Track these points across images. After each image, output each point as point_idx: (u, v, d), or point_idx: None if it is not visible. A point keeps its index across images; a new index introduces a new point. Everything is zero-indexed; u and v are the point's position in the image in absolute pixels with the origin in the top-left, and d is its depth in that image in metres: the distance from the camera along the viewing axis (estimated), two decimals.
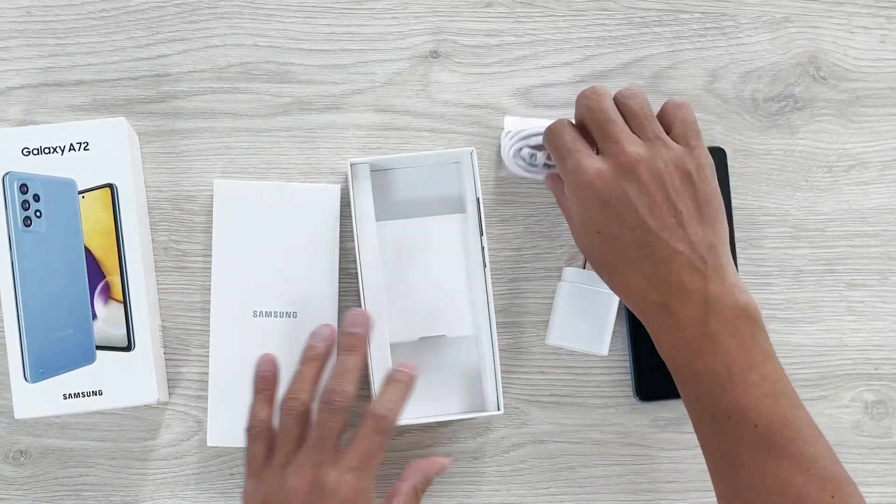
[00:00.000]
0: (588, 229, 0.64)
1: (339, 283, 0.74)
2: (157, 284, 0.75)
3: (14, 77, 0.76)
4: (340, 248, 0.74)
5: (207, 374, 0.74)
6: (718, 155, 0.77)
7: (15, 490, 0.75)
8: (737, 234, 0.77)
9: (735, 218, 0.77)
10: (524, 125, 0.75)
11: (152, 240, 0.76)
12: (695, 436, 0.77)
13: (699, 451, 0.77)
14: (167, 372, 0.75)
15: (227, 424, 0.73)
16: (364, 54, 0.77)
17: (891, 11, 0.79)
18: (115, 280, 0.70)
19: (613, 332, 0.75)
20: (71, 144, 0.70)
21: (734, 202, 0.77)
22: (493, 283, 0.76)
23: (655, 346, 0.65)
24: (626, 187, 0.63)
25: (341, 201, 0.74)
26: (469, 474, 0.76)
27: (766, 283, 0.78)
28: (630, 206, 0.63)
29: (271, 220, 0.74)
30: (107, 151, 0.71)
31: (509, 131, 0.75)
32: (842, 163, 0.78)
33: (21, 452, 0.75)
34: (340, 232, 0.74)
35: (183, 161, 0.76)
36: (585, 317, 0.74)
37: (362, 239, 0.72)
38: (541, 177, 0.75)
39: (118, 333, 0.70)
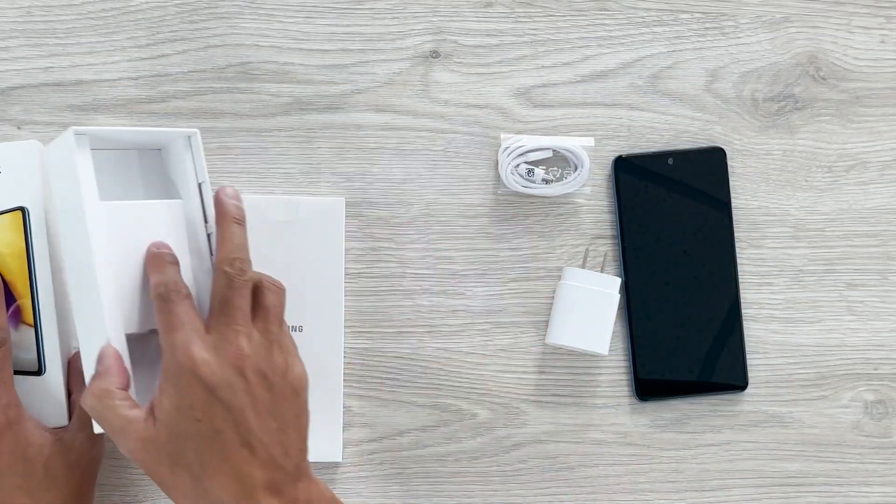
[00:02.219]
0: (185, 417, 0.59)
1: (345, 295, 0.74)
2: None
3: (14, 77, 0.76)
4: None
5: None
6: (718, 155, 0.77)
7: None
8: (737, 234, 0.77)
9: (735, 218, 0.77)
10: (521, 141, 0.75)
11: None
12: (695, 436, 0.77)
13: (699, 450, 0.77)
14: None
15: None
16: (364, 54, 0.77)
17: (891, 11, 0.79)
18: (26, 303, 0.69)
19: (613, 332, 0.75)
20: None
21: (734, 202, 0.77)
22: (492, 283, 0.76)
23: None
24: (232, 380, 0.60)
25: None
26: (469, 474, 0.76)
27: (766, 283, 0.78)
28: (236, 400, 0.60)
29: (276, 234, 0.73)
30: (18, 174, 0.69)
31: (507, 147, 0.75)
32: (842, 163, 0.78)
33: None
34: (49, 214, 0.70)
35: None
36: (585, 316, 0.74)
37: (88, 217, 0.63)
38: (539, 192, 0.75)
39: (28, 357, 0.69)
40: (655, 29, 0.78)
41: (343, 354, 0.74)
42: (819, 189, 0.78)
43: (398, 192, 0.77)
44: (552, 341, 0.75)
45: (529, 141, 0.75)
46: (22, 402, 0.67)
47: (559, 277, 0.76)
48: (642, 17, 0.78)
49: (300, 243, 0.74)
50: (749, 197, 0.78)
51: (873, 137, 0.79)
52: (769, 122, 0.78)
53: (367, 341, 0.74)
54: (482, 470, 0.76)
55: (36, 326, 0.69)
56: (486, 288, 0.77)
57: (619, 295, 0.75)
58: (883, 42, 0.79)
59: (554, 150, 0.76)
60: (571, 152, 0.76)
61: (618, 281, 0.75)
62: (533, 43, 0.78)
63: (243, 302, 0.63)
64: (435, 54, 0.77)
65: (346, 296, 0.75)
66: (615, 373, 0.77)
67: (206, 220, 0.68)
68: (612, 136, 0.77)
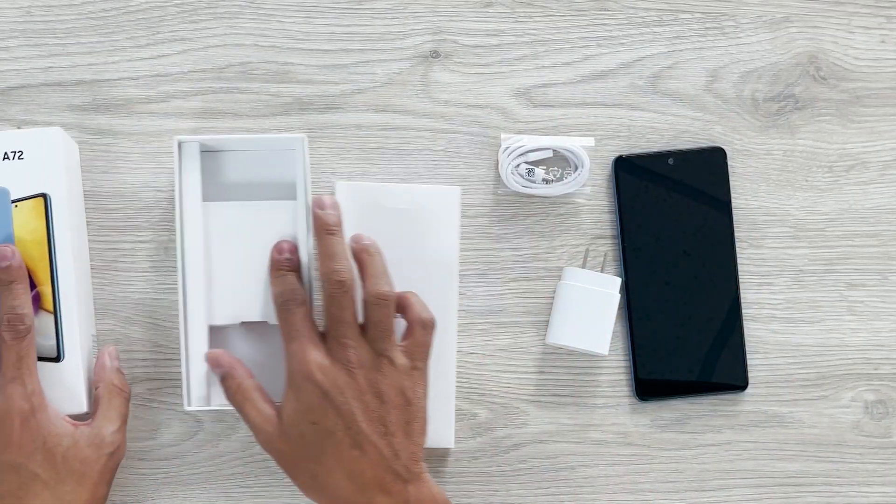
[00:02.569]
0: (303, 418, 0.66)
1: (459, 283, 0.74)
2: (152, 285, 0.75)
3: (14, 77, 0.76)
4: (170, 228, 0.75)
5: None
6: (718, 155, 0.77)
7: None
8: (737, 234, 0.77)
9: (735, 218, 0.77)
10: (521, 141, 0.75)
11: (152, 240, 0.76)
12: (695, 435, 0.77)
13: (699, 450, 0.77)
14: (165, 372, 0.75)
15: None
16: (364, 54, 0.77)
17: (891, 11, 0.79)
18: (46, 290, 0.70)
19: (613, 332, 0.75)
20: (5, 153, 0.70)
21: (734, 202, 0.77)
22: (492, 283, 0.76)
23: None
24: (345, 388, 0.66)
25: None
26: (469, 474, 0.76)
27: (766, 283, 0.78)
28: (346, 405, 0.66)
29: (392, 222, 0.74)
30: (41, 161, 0.70)
31: (507, 147, 0.75)
32: (842, 163, 0.78)
33: None
34: (170, 212, 0.74)
35: None
36: (585, 316, 0.74)
37: (186, 216, 0.71)
38: (539, 192, 0.75)
39: (48, 344, 0.69)
40: (655, 29, 0.78)
41: (456, 342, 0.74)
42: (819, 189, 0.78)
43: None
44: (552, 341, 0.75)
45: (529, 141, 0.75)
46: (43, 389, 0.68)
47: (559, 277, 0.76)
48: (642, 17, 0.78)
49: (415, 231, 0.74)
50: (749, 197, 0.78)
51: (873, 137, 0.79)
52: (769, 122, 0.78)
53: None
54: (482, 470, 0.76)
55: (55, 313, 0.70)
56: (486, 288, 0.77)
57: (619, 295, 0.75)
58: (883, 42, 0.79)
59: (554, 150, 0.76)
60: (571, 152, 0.76)
61: (618, 281, 0.75)
62: (533, 43, 0.78)
63: (347, 315, 0.67)
64: (435, 54, 0.77)
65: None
66: (615, 373, 0.77)
67: (308, 223, 0.70)
68: (612, 136, 0.77)
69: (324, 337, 0.67)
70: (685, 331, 0.76)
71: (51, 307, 0.70)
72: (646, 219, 0.76)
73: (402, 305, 0.69)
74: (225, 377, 0.69)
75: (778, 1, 0.78)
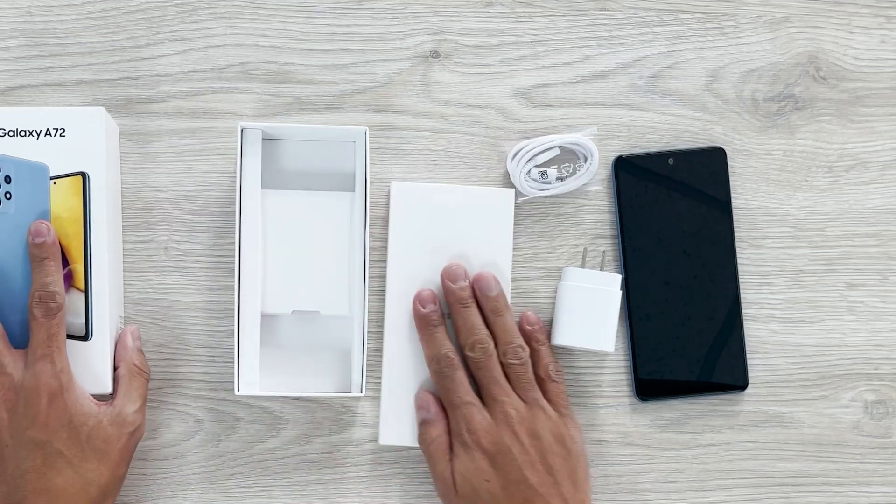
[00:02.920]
0: (476, 478, 0.70)
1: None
2: (152, 285, 0.75)
3: (14, 77, 0.76)
4: (228, 214, 0.75)
5: (209, 374, 0.74)
6: (718, 155, 0.77)
7: None
8: (737, 234, 0.77)
9: (735, 218, 0.77)
10: (527, 146, 0.75)
11: (152, 240, 0.76)
12: (695, 435, 0.77)
13: (699, 450, 0.77)
14: (166, 372, 0.75)
15: (400, 424, 0.74)
16: (364, 54, 0.77)
17: (891, 11, 0.79)
18: (78, 268, 0.70)
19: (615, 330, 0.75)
20: (47, 129, 0.70)
21: (734, 202, 0.77)
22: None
23: None
24: (510, 444, 0.70)
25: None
26: None
27: (766, 282, 0.78)
28: (514, 462, 0.70)
29: (446, 222, 0.74)
30: (83, 140, 0.70)
31: (516, 153, 0.75)
32: (842, 163, 0.78)
33: None
34: (229, 199, 0.75)
35: (183, 161, 0.76)
36: (589, 315, 0.74)
37: (245, 203, 0.72)
38: (557, 191, 0.75)
39: (77, 322, 0.70)
40: (655, 29, 0.78)
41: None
42: (819, 189, 0.78)
43: None
44: (558, 343, 0.75)
45: (534, 144, 0.75)
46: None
47: (559, 278, 0.76)
48: (642, 17, 0.78)
49: (468, 232, 0.75)
50: (749, 197, 0.78)
51: (873, 137, 0.79)
52: (769, 122, 0.78)
53: (367, 341, 0.74)
54: None
55: (86, 292, 0.70)
56: None
57: (620, 291, 0.75)
58: (883, 42, 0.79)
59: (560, 147, 0.76)
60: (578, 144, 0.75)
61: (618, 278, 0.75)
62: (533, 43, 0.78)
63: (497, 374, 0.72)
64: (435, 54, 0.77)
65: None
66: (615, 373, 0.77)
67: (365, 214, 0.72)
68: (613, 136, 0.77)
69: (482, 400, 0.72)
70: (685, 331, 0.76)
71: (82, 286, 0.70)
72: (646, 219, 0.76)
73: (532, 359, 0.73)
74: (427, 423, 0.73)
75: (778, 1, 0.78)
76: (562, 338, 0.74)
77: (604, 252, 0.77)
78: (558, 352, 0.76)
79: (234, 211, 0.72)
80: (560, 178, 0.76)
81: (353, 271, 0.73)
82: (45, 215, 0.69)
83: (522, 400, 0.71)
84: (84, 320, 0.70)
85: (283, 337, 0.74)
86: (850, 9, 0.79)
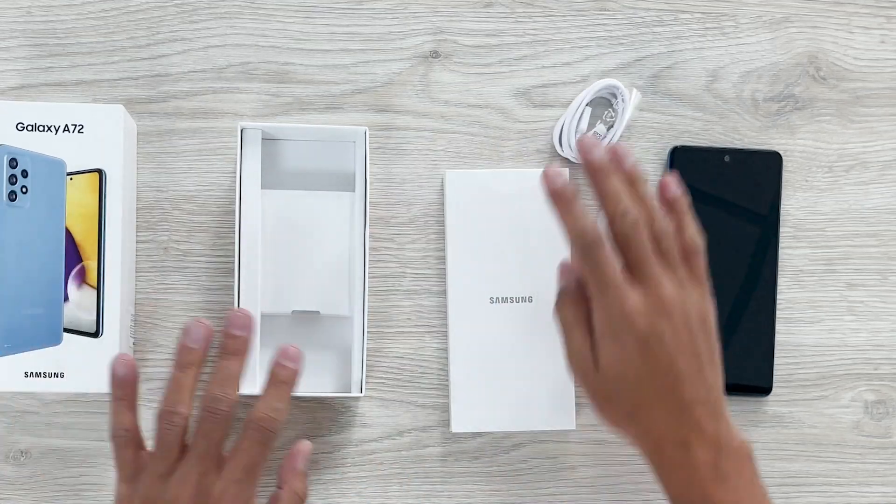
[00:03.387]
0: (624, 364, 0.65)
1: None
2: (152, 285, 0.75)
3: (14, 77, 0.76)
4: (228, 214, 0.75)
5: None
6: (774, 160, 0.77)
7: (15, 490, 0.75)
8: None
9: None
10: (562, 123, 0.75)
11: (153, 240, 0.76)
12: None
13: None
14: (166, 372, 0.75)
15: (470, 410, 0.75)
16: (364, 54, 0.77)
17: (891, 11, 0.79)
18: (91, 265, 0.70)
19: None
20: (66, 125, 0.70)
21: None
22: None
23: (662, 484, 0.67)
24: (663, 328, 0.64)
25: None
26: (469, 474, 0.76)
27: None
28: (665, 347, 0.65)
29: (502, 207, 0.75)
30: (101, 137, 0.71)
31: (559, 136, 0.76)
32: (842, 163, 0.78)
33: (21, 452, 0.75)
34: (229, 199, 0.76)
35: (183, 161, 0.76)
36: None
37: (245, 204, 0.72)
38: (615, 138, 0.75)
39: (88, 318, 0.70)
40: (655, 29, 0.78)
41: None
42: (819, 189, 0.78)
43: (398, 192, 0.77)
44: None
45: (566, 117, 0.75)
46: (77, 364, 0.69)
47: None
48: (642, 17, 0.78)
49: (525, 213, 0.75)
50: None
51: (873, 137, 0.79)
52: (769, 122, 0.78)
53: (367, 341, 0.74)
54: (482, 470, 0.76)
55: (98, 289, 0.70)
56: None
57: None
58: (883, 42, 0.79)
59: (588, 104, 0.76)
60: (601, 90, 0.76)
61: None
62: (533, 43, 0.78)
63: (648, 251, 0.65)
64: (435, 54, 0.77)
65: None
66: None
67: (365, 214, 0.72)
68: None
69: (632, 282, 0.65)
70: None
71: (94, 282, 0.70)
72: (695, 211, 0.76)
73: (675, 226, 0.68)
74: (568, 293, 0.67)
75: (778, 1, 0.78)
76: None
77: None
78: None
79: (234, 211, 0.72)
80: (609, 127, 0.76)
81: (353, 271, 0.73)
82: (59, 210, 0.70)
83: (672, 278, 0.66)
84: (95, 317, 0.70)
85: (283, 337, 0.74)
86: (850, 9, 0.79)
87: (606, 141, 0.76)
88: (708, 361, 0.66)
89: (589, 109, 0.76)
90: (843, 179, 0.78)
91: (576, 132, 0.76)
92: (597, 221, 0.64)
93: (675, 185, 0.67)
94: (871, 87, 0.79)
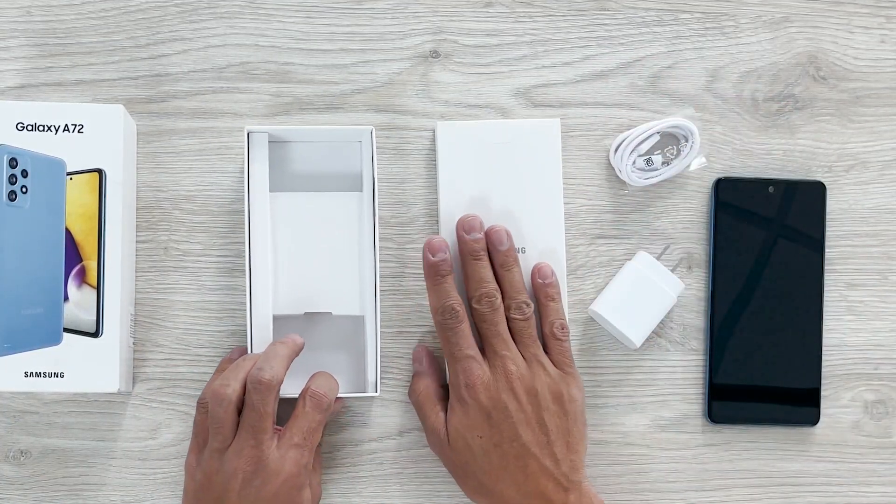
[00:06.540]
0: (470, 432, 0.69)
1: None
2: (152, 285, 0.75)
3: (14, 77, 0.76)
4: (228, 214, 0.75)
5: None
6: (817, 189, 0.77)
7: (15, 490, 0.75)
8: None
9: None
10: (628, 137, 0.75)
11: (152, 240, 0.76)
12: (695, 435, 0.77)
13: (699, 450, 0.77)
14: (166, 372, 0.75)
15: None
16: (364, 54, 0.77)
17: (891, 11, 0.79)
18: (91, 265, 0.70)
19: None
20: (66, 125, 0.70)
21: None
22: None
23: None
24: (506, 401, 0.69)
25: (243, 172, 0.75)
26: None
27: None
28: (509, 419, 0.69)
29: (495, 158, 0.75)
30: (101, 136, 0.71)
31: (618, 147, 0.75)
32: (842, 163, 0.78)
33: (21, 452, 0.75)
34: (229, 199, 0.76)
35: (183, 161, 0.76)
36: (637, 302, 0.74)
37: (254, 207, 0.72)
38: (665, 176, 0.76)
39: (87, 318, 0.70)
40: (655, 29, 0.78)
41: (566, 272, 0.75)
42: None
43: (398, 192, 0.77)
44: (597, 310, 0.74)
45: (635, 133, 0.75)
46: (76, 363, 0.69)
47: (629, 257, 0.76)
48: (642, 17, 0.78)
49: (517, 165, 0.75)
50: None
51: (873, 137, 0.79)
52: (769, 121, 0.78)
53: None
54: None
55: (98, 288, 0.70)
56: None
57: (676, 298, 0.74)
58: (883, 42, 0.79)
59: (659, 133, 0.76)
60: (677, 126, 0.75)
61: (681, 286, 0.75)
62: (533, 43, 0.78)
63: (501, 329, 0.71)
64: (435, 54, 0.77)
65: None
66: (616, 373, 0.77)
67: (374, 213, 0.72)
68: (612, 136, 0.77)
69: (483, 355, 0.71)
70: (759, 362, 0.76)
71: (94, 282, 0.70)
72: (739, 242, 0.76)
73: (539, 315, 0.73)
74: (418, 375, 0.74)
75: (778, 1, 0.78)
76: (602, 307, 0.74)
77: (682, 258, 0.76)
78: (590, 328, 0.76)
79: (244, 213, 0.72)
80: (665, 163, 0.76)
81: (363, 271, 0.73)
82: (59, 210, 0.70)
83: (524, 356, 0.71)
84: (95, 317, 0.70)
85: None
86: (850, 9, 0.79)
87: (656, 174, 0.76)
88: (560, 438, 0.70)
89: (658, 137, 0.76)
90: (843, 179, 0.78)
91: (634, 150, 0.75)
92: (460, 299, 0.71)
93: (547, 271, 0.73)
94: (871, 87, 0.79)
